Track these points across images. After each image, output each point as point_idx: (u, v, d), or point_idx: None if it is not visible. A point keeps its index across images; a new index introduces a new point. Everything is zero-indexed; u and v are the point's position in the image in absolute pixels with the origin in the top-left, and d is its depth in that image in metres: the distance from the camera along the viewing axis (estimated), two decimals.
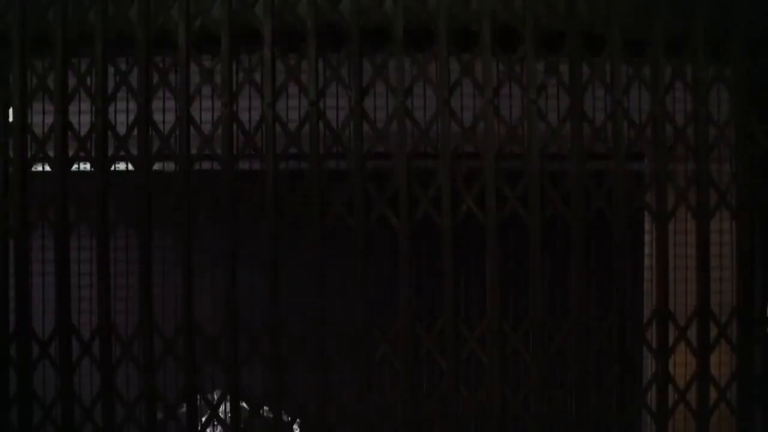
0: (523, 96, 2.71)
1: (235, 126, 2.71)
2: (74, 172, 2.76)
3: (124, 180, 2.76)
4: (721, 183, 2.78)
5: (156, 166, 2.74)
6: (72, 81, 2.74)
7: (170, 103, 2.74)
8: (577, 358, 2.72)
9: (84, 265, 2.81)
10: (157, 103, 2.74)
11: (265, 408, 2.76)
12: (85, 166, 2.76)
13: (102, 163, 2.72)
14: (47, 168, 2.75)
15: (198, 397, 2.75)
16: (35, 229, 2.75)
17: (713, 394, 2.76)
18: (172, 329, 2.73)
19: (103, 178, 2.73)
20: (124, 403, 2.75)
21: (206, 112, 2.76)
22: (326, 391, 2.72)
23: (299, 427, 2.89)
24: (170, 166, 2.75)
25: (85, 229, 2.75)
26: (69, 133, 2.74)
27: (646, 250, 3.12)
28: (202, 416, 2.77)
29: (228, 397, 2.73)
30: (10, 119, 2.75)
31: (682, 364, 2.79)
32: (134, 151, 2.73)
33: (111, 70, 2.73)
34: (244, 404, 2.76)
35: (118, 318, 2.76)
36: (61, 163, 2.73)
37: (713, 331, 2.76)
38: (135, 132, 2.74)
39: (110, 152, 2.73)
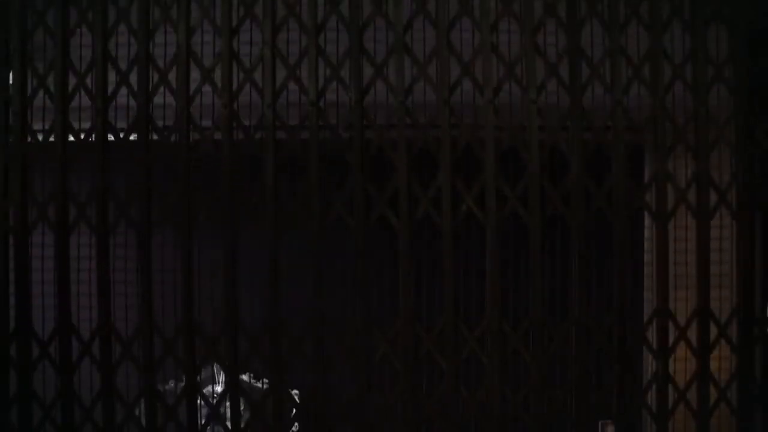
0: (523, 95, 2.72)
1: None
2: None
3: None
4: (721, 183, 2.78)
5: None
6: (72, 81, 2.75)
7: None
8: (577, 358, 2.72)
9: (84, 264, 2.81)
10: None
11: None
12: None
13: (102, 162, 2.72)
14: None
15: (198, 396, 2.75)
16: (35, 228, 2.75)
17: (713, 394, 2.76)
18: (173, 329, 2.73)
19: (103, 178, 2.73)
20: (124, 403, 2.75)
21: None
22: (326, 390, 2.72)
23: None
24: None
25: (85, 228, 2.75)
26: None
27: (646, 252, 3.11)
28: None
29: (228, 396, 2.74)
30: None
31: (682, 364, 2.79)
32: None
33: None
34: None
35: (118, 318, 2.76)
36: (62, 162, 2.73)
37: (713, 331, 2.76)
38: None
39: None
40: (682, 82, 2.76)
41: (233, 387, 2.73)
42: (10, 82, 2.74)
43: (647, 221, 2.94)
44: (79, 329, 2.75)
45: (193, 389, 2.74)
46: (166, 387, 2.80)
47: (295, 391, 2.83)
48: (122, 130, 2.74)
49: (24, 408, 2.74)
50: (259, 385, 2.78)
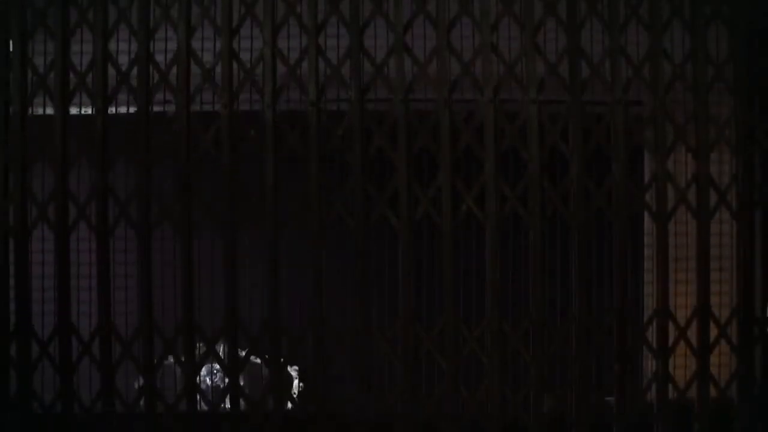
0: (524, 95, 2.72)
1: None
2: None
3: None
4: (721, 183, 2.78)
5: None
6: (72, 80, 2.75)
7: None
8: (577, 358, 2.72)
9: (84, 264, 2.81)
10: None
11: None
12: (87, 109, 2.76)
13: (102, 163, 2.73)
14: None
15: (197, 396, 2.75)
16: (35, 228, 2.75)
17: (713, 394, 2.76)
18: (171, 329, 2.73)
19: (103, 178, 2.73)
20: (124, 403, 2.74)
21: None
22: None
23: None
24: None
25: (85, 228, 2.76)
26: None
27: (646, 250, 3.12)
28: None
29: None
30: None
31: (681, 364, 2.79)
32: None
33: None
34: None
35: (118, 318, 2.76)
36: (62, 162, 2.73)
37: (713, 331, 2.76)
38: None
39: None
40: (682, 82, 2.76)
41: (233, 387, 2.73)
42: (10, 82, 2.74)
43: (647, 221, 2.94)
44: (79, 329, 2.75)
45: (193, 389, 2.74)
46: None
47: (294, 368, 2.83)
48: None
49: (24, 408, 2.73)
50: (258, 361, 2.76)
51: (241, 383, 2.75)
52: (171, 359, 2.81)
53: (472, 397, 2.71)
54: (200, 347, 2.72)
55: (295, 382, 2.99)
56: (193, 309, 2.72)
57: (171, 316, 2.73)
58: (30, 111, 2.75)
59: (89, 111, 2.74)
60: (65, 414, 2.70)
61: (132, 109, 2.75)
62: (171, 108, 2.74)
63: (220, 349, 2.73)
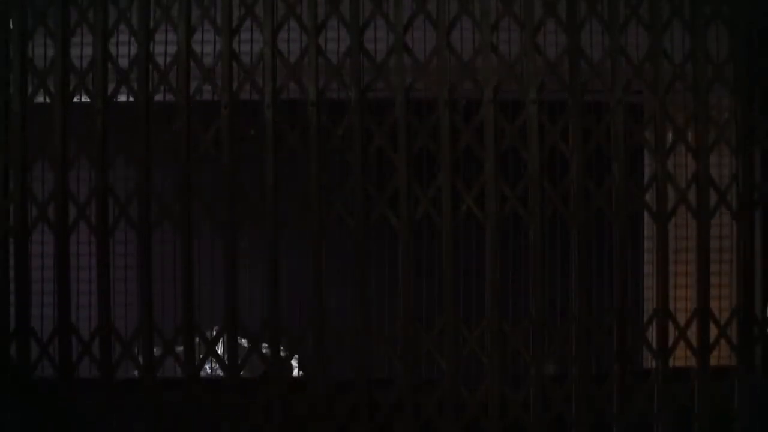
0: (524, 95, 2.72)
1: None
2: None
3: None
4: (721, 183, 2.78)
5: None
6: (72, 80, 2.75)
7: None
8: (577, 358, 2.72)
9: (84, 264, 2.81)
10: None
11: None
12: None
13: (101, 163, 2.72)
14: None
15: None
16: (35, 228, 2.75)
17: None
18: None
19: (103, 178, 2.73)
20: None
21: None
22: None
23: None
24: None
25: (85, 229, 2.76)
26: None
27: (646, 252, 3.12)
28: None
29: None
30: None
31: (681, 364, 2.79)
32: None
33: None
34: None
35: (118, 318, 2.75)
36: (62, 162, 2.73)
37: (713, 331, 2.76)
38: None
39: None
40: (682, 82, 2.76)
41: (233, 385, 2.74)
42: (10, 82, 2.74)
43: (647, 221, 2.95)
44: (78, 329, 2.75)
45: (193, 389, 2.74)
46: None
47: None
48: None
49: (24, 407, 2.73)
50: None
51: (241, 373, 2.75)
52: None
53: (472, 397, 2.71)
54: (200, 345, 2.72)
55: (295, 371, 3.00)
56: (193, 309, 2.72)
57: (171, 316, 2.73)
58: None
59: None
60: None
61: (131, 98, 2.75)
62: (170, 98, 2.73)
63: (220, 343, 2.74)
